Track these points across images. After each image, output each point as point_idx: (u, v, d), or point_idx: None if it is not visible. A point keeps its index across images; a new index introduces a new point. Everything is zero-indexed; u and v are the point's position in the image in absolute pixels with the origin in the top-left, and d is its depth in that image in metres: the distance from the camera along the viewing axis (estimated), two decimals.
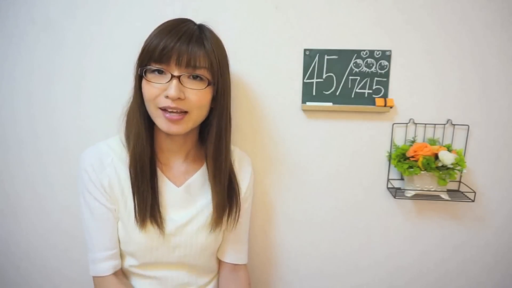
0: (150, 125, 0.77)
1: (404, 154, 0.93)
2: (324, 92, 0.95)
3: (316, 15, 0.92)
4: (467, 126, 0.94)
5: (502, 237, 1.00)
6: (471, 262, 1.03)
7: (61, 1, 0.94)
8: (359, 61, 0.93)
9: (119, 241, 0.79)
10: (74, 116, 0.99)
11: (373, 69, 0.93)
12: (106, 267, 0.77)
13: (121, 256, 0.80)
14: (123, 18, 0.94)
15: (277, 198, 1.02)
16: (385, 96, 0.94)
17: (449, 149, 0.92)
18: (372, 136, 0.97)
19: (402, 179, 0.98)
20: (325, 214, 1.02)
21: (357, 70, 0.93)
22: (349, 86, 0.94)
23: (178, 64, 0.69)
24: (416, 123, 0.95)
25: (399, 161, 0.92)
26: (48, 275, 1.09)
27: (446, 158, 0.88)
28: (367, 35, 0.92)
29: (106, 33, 0.94)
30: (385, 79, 0.93)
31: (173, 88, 0.68)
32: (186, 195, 0.81)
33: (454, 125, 0.95)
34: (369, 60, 0.92)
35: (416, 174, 0.90)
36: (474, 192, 0.93)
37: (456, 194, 0.95)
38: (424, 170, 0.90)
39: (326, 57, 0.93)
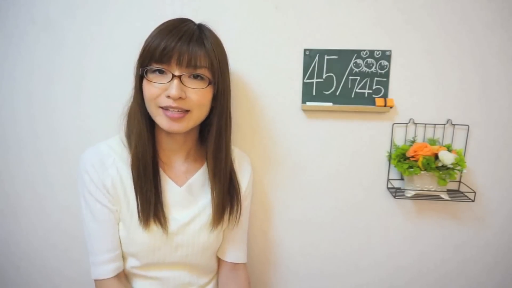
0: (151, 125, 0.77)
1: (404, 154, 0.93)
2: (324, 92, 0.95)
3: (316, 15, 0.92)
4: (467, 126, 0.94)
5: (502, 237, 1.00)
6: (471, 262, 1.02)
7: (61, 1, 0.94)
8: (359, 61, 0.93)
9: (120, 242, 0.78)
10: (74, 116, 0.99)
11: (373, 69, 0.93)
12: (108, 270, 0.76)
13: (123, 257, 0.80)
14: (123, 18, 0.94)
15: (277, 198, 1.02)
16: (385, 96, 0.94)
17: (449, 149, 0.92)
18: (372, 136, 0.97)
19: (402, 179, 0.98)
20: (325, 214, 1.02)
21: (357, 70, 0.93)
22: (349, 86, 0.94)
23: (179, 64, 0.69)
24: (416, 123, 0.95)
25: (399, 161, 0.92)
26: (48, 275, 1.09)
27: (446, 158, 0.88)
28: (367, 35, 0.92)
29: (106, 33, 0.94)
30: (385, 79, 0.93)
31: (174, 88, 0.69)
32: (187, 194, 0.81)
33: (454, 125, 0.95)
34: (369, 60, 0.92)
35: (416, 174, 0.90)
36: (474, 192, 0.93)
37: (456, 194, 0.95)
38: (424, 170, 0.90)
39: (326, 57, 0.93)
